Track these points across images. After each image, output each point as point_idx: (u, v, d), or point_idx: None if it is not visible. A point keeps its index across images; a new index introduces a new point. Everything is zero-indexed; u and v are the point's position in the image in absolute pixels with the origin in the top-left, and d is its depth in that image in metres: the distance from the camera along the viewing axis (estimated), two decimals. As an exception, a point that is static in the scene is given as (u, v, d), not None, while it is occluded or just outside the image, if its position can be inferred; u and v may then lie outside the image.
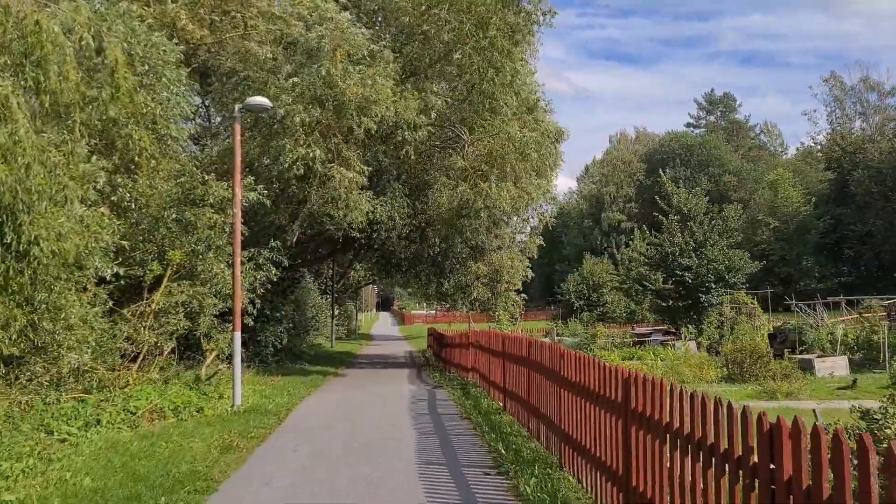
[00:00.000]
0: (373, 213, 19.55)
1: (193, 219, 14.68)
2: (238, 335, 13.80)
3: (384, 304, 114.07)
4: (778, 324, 28.89)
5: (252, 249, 16.18)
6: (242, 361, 21.90)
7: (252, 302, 16.43)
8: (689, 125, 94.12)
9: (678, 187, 36.04)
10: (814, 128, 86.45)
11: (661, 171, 40.27)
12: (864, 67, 79.47)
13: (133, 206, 13.63)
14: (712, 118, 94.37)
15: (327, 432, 10.80)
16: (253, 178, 15.87)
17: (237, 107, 14.12)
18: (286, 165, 16.14)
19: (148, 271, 14.30)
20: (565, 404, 7.64)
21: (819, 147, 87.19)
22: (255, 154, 17.17)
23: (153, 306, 14.16)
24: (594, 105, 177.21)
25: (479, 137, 20.87)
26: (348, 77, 15.94)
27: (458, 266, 27.58)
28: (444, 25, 18.68)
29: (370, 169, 19.16)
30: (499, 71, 19.25)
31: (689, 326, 31.36)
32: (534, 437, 9.32)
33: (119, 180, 13.27)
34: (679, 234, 32.58)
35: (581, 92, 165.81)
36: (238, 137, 13.89)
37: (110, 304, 13.01)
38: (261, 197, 15.14)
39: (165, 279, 14.37)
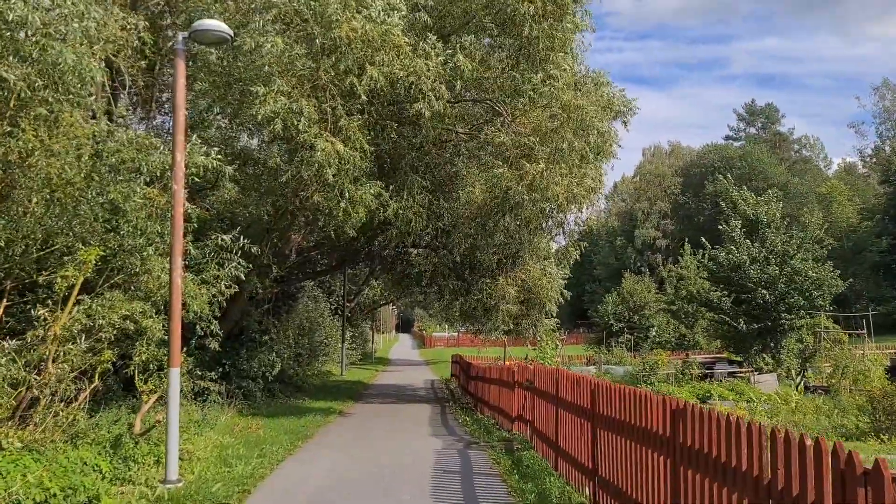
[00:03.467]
0: (382, 210, 14.89)
1: (120, 199, 10.10)
2: (175, 373, 9.06)
3: (404, 326, 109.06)
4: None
5: (215, 236, 11.50)
6: (220, 398, 17.43)
7: (215, 317, 11.77)
8: (728, 137, 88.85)
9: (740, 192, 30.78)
10: (861, 141, 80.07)
11: (721, 176, 35.08)
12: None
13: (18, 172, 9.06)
14: (753, 130, 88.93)
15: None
16: (214, 148, 11.26)
17: (181, 35, 9.52)
18: (259, 118, 11.39)
19: (59, 279, 9.71)
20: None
21: (866, 161, 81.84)
22: (204, 107, 12.50)
23: (56, 331, 9.55)
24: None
25: (525, 110, 16.16)
26: (346, 7, 11.33)
27: (485, 280, 22.75)
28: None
29: (374, 150, 14.48)
30: (559, 20, 14.58)
31: (765, 356, 26.17)
32: None
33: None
34: (748, 245, 27.44)
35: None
36: (182, 80, 9.28)
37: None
38: (216, 163, 10.48)
39: (75, 290, 9.76)
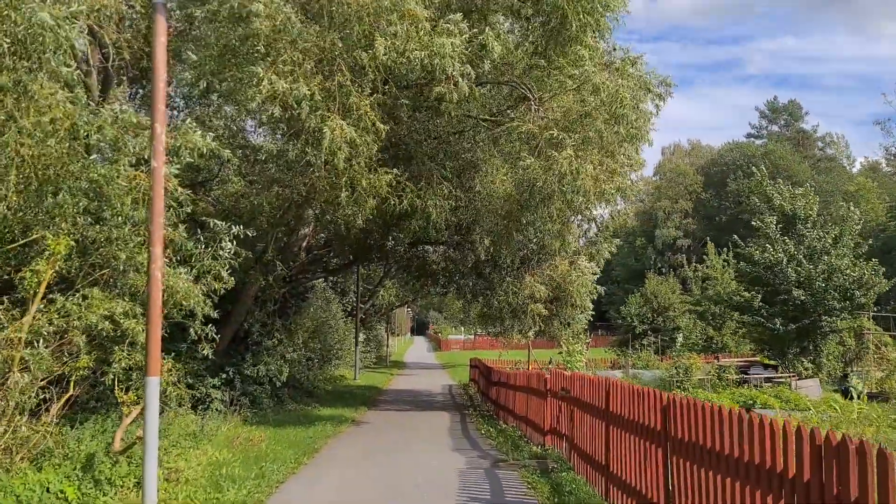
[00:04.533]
0: (398, 201, 13.53)
1: (102, 181, 8.81)
2: (154, 382, 7.68)
3: (419, 328, 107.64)
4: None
5: (211, 223, 10.09)
6: (223, 405, 16.09)
7: (214, 320, 10.38)
8: (749, 136, 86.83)
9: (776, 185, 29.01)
10: (888, 139, 77.88)
11: (755, 168, 33.37)
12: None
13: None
14: (776, 128, 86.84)
15: None
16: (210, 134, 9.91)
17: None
18: (253, 104, 10.06)
19: (27, 274, 8.43)
20: None
21: (890, 159, 79.80)
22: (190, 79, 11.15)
23: (22, 334, 8.25)
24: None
25: (553, 94, 14.73)
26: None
27: (511, 279, 21.33)
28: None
29: (389, 133, 13.07)
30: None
31: (803, 360, 24.53)
32: None
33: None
34: (784, 242, 25.76)
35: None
36: (162, 39, 7.94)
37: None
38: (213, 146, 9.14)
39: (42, 286, 8.46)
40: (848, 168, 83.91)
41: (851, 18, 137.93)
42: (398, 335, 73.98)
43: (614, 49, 17.53)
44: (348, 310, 33.89)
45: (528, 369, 22.78)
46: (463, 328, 65.83)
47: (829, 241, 25.51)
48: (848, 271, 24.41)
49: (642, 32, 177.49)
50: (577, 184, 13.81)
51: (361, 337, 35.14)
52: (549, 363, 24.98)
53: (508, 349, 33.06)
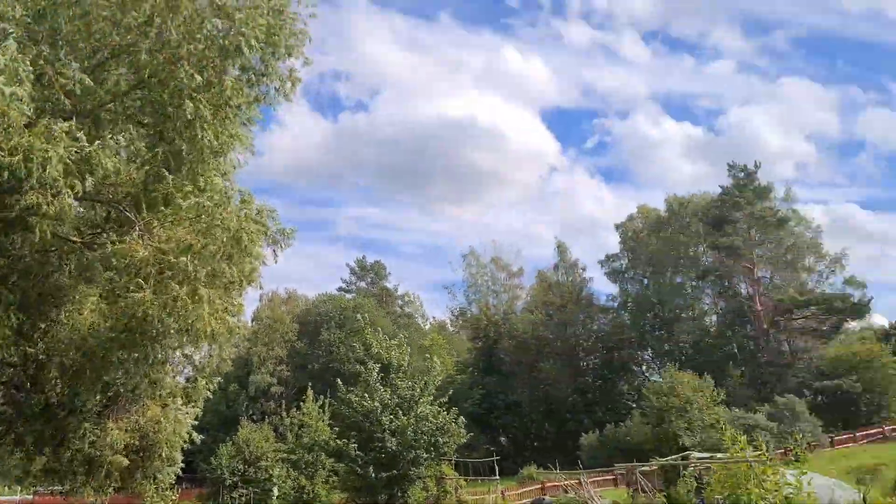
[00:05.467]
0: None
1: None
2: None
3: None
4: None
5: None
6: None
7: None
8: (341, 289, 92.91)
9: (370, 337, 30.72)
10: (454, 300, 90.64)
11: (359, 315, 34.91)
12: (497, 248, 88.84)
13: None
14: (363, 284, 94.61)
15: None
16: None
17: None
18: None
19: None
20: None
21: (455, 319, 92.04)
22: None
23: None
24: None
25: (171, 222, 13.50)
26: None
27: (90, 425, 18.26)
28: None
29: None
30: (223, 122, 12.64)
31: (393, 507, 25.26)
32: None
33: None
34: (380, 390, 27.03)
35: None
36: None
37: None
38: None
39: None
40: (423, 325, 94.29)
41: (421, 200, 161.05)
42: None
43: (233, 187, 17.17)
44: None
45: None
46: (19, 487, 54.61)
47: (418, 390, 27.51)
48: (433, 419, 26.42)
49: (244, 182, 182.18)
50: (190, 320, 12.56)
51: None
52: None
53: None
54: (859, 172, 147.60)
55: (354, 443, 27.17)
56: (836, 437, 46.08)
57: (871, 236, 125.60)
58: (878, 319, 72.37)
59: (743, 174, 66.28)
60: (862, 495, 20.03)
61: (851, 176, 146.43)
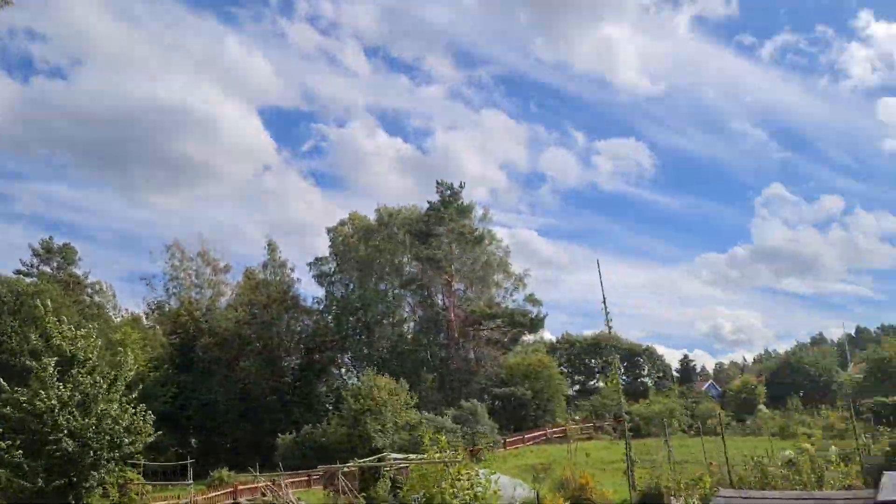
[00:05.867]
0: None
1: None
2: None
3: None
4: None
5: None
6: None
7: None
8: (19, 272, 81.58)
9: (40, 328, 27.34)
10: (152, 293, 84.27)
11: (39, 303, 30.70)
12: (204, 242, 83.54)
13: None
14: (48, 268, 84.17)
15: None
16: None
17: None
18: None
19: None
20: None
21: (151, 312, 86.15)
22: None
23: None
24: None
25: None
26: None
27: None
28: None
29: None
30: None
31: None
32: None
33: None
34: (59, 387, 24.21)
35: None
36: None
37: None
38: None
39: None
40: (114, 317, 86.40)
41: (122, 183, 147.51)
42: None
43: None
44: None
45: None
46: None
47: (105, 386, 25.21)
48: (118, 417, 24.40)
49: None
50: None
51: None
52: None
53: None
54: (539, 203, 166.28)
55: (19, 449, 23.87)
56: (508, 439, 51.85)
57: (549, 261, 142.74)
58: (548, 335, 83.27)
59: (449, 192, 71.48)
60: (535, 492, 22.79)
61: (533, 205, 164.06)
